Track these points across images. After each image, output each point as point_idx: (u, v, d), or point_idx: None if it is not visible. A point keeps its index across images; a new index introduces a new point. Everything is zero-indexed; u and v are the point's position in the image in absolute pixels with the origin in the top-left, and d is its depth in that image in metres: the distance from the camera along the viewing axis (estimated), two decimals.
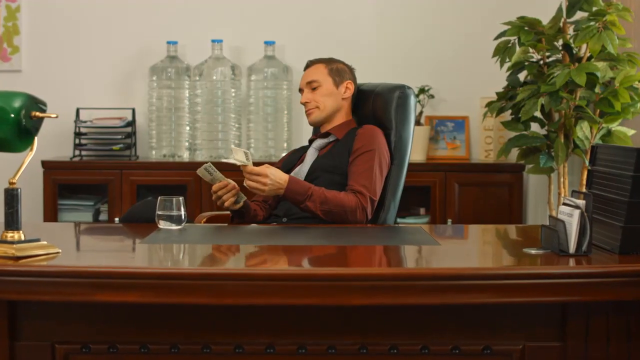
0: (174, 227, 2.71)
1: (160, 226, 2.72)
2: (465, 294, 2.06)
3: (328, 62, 3.32)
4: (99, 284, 2.05)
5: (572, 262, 2.20)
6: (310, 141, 3.38)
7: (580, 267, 2.16)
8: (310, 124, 3.35)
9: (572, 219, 2.24)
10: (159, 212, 2.72)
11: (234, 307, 2.10)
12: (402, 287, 2.05)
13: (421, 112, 4.64)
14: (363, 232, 2.82)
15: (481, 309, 2.13)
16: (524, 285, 2.08)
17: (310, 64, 3.33)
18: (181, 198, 2.72)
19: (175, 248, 2.45)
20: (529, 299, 2.09)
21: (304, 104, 3.29)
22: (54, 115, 2.19)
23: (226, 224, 3.12)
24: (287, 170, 3.27)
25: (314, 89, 3.27)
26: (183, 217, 2.73)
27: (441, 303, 2.07)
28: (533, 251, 2.33)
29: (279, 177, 2.95)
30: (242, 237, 2.72)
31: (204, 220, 3.30)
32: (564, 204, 2.31)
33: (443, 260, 2.37)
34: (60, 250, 2.25)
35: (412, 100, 3.29)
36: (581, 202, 2.26)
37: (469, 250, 2.65)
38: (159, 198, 2.72)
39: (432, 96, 4.67)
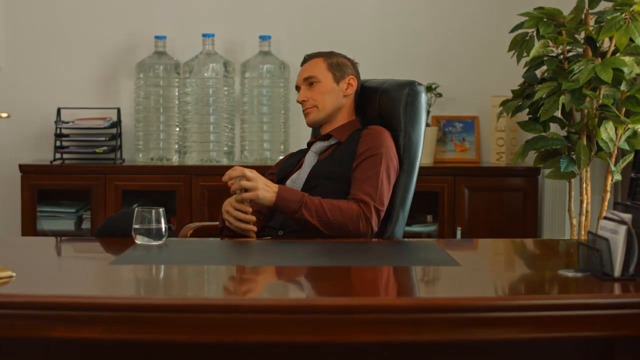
0: (153, 242, 2.45)
1: (138, 241, 2.46)
2: (496, 328, 1.76)
3: (327, 56, 3.10)
4: (57, 316, 1.77)
5: (617, 288, 1.90)
6: (309, 144, 3.14)
7: (629, 295, 1.86)
8: (309, 124, 3.12)
9: (617, 236, 1.95)
10: (136, 226, 2.45)
11: (217, 345, 1.82)
12: (419, 320, 1.76)
13: (428, 112, 4.40)
14: (368, 249, 2.59)
15: (514, 346, 1.85)
16: (564, 317, 1.78)
17: (307, 59, 3.11)
18: (161, 209, 2.46)
19: (151, 270, 2.17)
20: (570, 334, 1.80)
21: (301, 102, 3.05)
22: (5, 115, 1.87)
23: (216, 239, 2.86)
24: (284, 177, 3.05)
25: (311, 85, 3.04)
26: (164, 231, 2.46)
27: (467, 339, 1.79)
28: (569, 274, 2.02)
29: (268, 182, 2.78)
30: (230, 256, 2.46)
31: (191, 232, 3.03)
32: (606, 218, 2.02)
33: (466, 286, 2.05)
34: (14, 274, 1.97)
35: (423, 98, 3.07)
36: (627, 216, 1.95)
37: (495, 272, 2.33)
38: (136, 209, 2.46)
39: (439, 95, 4.50)
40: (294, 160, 3.12)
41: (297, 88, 3.08)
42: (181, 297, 1.93)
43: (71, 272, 2.23)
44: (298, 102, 3.05)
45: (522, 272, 2.29)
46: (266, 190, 2.74)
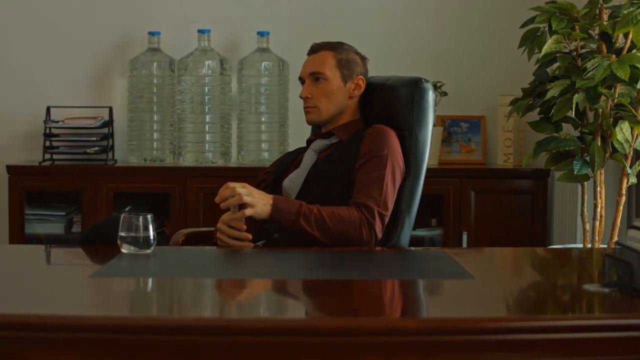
0: (140, 251, 2.28)
1: (124, 250, 2.29)
2: (518, 352, 1.60)
3: (337, 49, 2.93)
4: (28, 338, 1.61)
5: None
6: (309, 142, 2.99)
7: None
8: (309, 123, 2.98)
9: None
10: (122, 234, 2.29)
11: None
12: (433, 344, 1.59)
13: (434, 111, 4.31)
14: (372, 259, 2.43)
15: None
16: (593, 340, 1.61)
17: (316, 49, 2.94)
18: (149, 215, 2.30)
19: (136, 284, 2.01)
20: (598, 358, 1.63)
21: (304, 98, 2.89)
22: None
23: (208, 247, 2.73)
24: (281, 177, 2.89)
25: (317, 80, 2.88)
26: (152, 239, 2.30)
27: None
28: (594, 289, 1.85)
29: (262, 194, 2.63)
30: (223, 268, 2.31)
31: (183, 238, 2.88)
32: (635, 227, 1.85)
33: (483, 304, 1.86)
34: None
35: (431, 96, 2.95)
36: None
37: (512, 287, 2.13)
38: (122, 215, 2.30)
39: (444, 93, 4.38)
40: (292, 158, 2.97)
41: (301, 79, 2.91)
42: (168, 316, 1.78)
43: (48, 285, 2.05)
44: (301, 97, 2.89)
45: (542, 286, 2.11)
46: (263, 203, 2.59)
